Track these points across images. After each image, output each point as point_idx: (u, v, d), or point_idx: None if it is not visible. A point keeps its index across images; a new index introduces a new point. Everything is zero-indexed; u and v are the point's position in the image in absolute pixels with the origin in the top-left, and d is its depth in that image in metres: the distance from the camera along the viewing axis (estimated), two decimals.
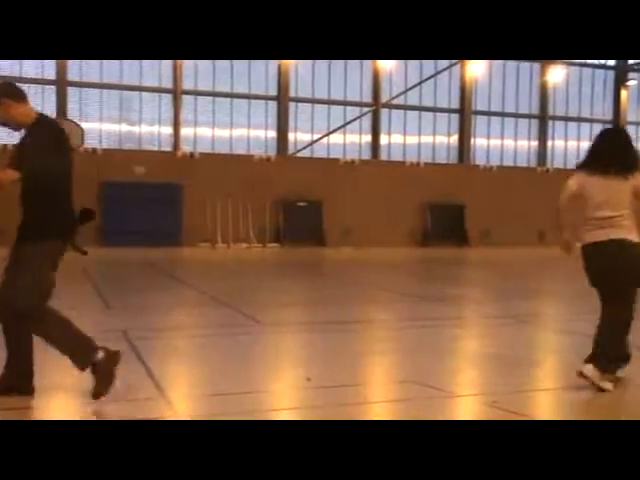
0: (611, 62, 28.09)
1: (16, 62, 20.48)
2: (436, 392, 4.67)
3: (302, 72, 24.01)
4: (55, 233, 4.18)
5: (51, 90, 21.25)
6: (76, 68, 21.28)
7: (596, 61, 27.68)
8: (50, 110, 20.89)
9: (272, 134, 23.95)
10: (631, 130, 28.83)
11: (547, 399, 4.84)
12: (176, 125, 22.78)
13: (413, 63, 24.95)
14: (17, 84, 4.40)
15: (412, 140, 25.60)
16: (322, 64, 24.05)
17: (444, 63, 25.16)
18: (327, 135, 24.30)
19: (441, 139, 26.09)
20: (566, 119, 27.77)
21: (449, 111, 26.01)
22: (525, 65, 26.73)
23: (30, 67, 20.80)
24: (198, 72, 22.81)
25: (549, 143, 27.58)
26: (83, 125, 19.98)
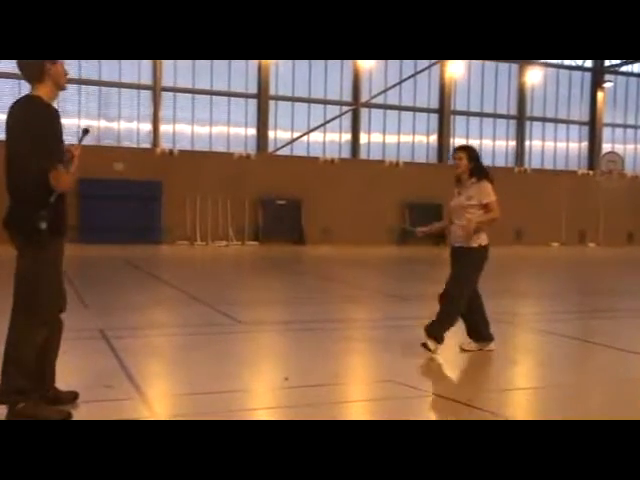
0: (588, 64, 28.39)
1: None
2: None
3: (282, 70, 24.00)
4: None
5: None
6: None
7: (573, 63, 27.96)
8: None
9: (252, 132, 23.93)
10: (607, 132, 29.19)
11: None
12: (155, 122, 22.68)
13: (393, 63, 25.03)
14: None
15: (391, 139, 25.70)
16: (303, 63, 24.05)
17: (424, 63, 25.28)
18: (307, 133, 24.32)
19: (420, 138, 26.22)
20: (543, 120, 28.04)
21: (428, 111, 26.15)
22: (504, 66, 26.94)
23: None
24: (177, 69, 22.71)
25: (527, 143, 27.83)
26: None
